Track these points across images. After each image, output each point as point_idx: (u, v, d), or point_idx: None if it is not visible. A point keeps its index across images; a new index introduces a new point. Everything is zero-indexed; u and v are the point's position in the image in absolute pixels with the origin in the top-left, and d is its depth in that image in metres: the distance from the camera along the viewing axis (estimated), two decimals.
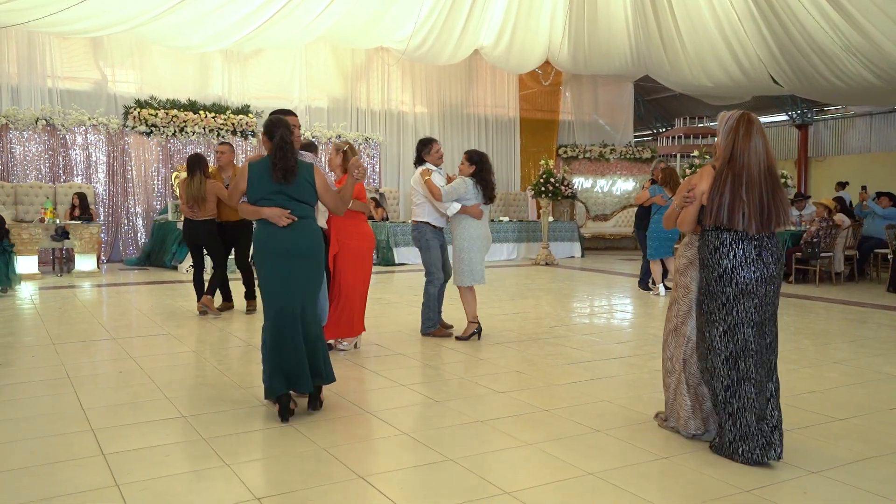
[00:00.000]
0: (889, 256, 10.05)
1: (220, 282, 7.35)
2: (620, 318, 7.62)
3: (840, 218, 10.16)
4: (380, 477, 3.11)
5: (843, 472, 3.17)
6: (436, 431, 3.72)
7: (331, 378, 4.00)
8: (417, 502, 2.85)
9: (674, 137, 17.27)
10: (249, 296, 7.46)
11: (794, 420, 3.88)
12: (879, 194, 11.06)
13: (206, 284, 7.29)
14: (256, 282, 6.52)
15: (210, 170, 7.30)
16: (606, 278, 11.13)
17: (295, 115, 4.47)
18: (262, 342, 3.90)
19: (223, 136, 13.48)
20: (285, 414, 3.82)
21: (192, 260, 7.55)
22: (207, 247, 7.31)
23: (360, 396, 4.34)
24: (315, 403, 3.98)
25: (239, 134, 13.62)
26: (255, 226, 6.28)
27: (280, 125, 3.91)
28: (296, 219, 3.87)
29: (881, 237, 10.60)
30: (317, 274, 3.99)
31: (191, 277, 7.54)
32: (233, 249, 7.46)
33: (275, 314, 3.87)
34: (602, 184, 17.36)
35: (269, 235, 3.90)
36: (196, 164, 7.11)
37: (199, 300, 7.24)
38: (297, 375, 3.83)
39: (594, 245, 16.39)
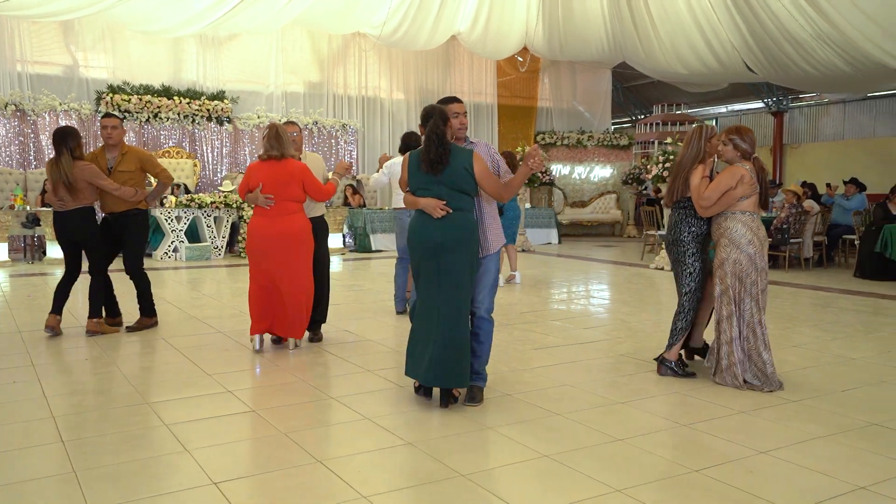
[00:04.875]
0: (856, 242, 10.22)
1: (103, 292, 5.89)
2: (594, 304, 7.70)
3: (809, 204, 10.31)
4: (338, 461, 3.15)
5: (790, 452, 3.26)
6: (397, 416, 3.76)
7: (465, 382, 3.83)
8: (374, 486, 2.89)
9: (652, 124, 17.35)
10: (146, 311, 5.99)
11: (747, 401, 3.98)
12: (846, 182, 11.24)
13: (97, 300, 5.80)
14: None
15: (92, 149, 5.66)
16: (582, 265, 11.22)
17: (461, 102, 4.08)
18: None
19: (198, 123, 13.36)
20: (429, 395, 4.00)
21: (65, 265, 5.87)
22: (85, 244, 5.76)
23: (325, 382, 4.37)
24: (446, 401, 3.87)
25: (214, 120, 13.51)
26: (145, 218, 5.88)
27: (433, 114, 3.78)
28: (451, 211, 3.76)
29: (849, 224, 10.78)
30: (465, 268, 3.80)
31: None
32: (124, 250, 5.97)
33: (419, 305, 3.90)
34: (580, 170, 17.45)
35: (422, 226, 3.81)
36: (61, 139, 5.51)
37: (53, 312, 5.65)
38: (426, 370, 3.80)
39: (572, 231, 16.52)
